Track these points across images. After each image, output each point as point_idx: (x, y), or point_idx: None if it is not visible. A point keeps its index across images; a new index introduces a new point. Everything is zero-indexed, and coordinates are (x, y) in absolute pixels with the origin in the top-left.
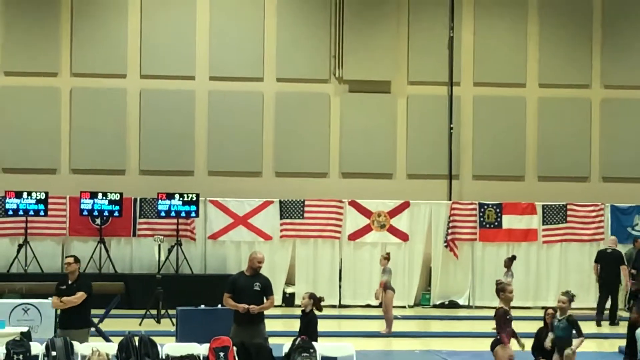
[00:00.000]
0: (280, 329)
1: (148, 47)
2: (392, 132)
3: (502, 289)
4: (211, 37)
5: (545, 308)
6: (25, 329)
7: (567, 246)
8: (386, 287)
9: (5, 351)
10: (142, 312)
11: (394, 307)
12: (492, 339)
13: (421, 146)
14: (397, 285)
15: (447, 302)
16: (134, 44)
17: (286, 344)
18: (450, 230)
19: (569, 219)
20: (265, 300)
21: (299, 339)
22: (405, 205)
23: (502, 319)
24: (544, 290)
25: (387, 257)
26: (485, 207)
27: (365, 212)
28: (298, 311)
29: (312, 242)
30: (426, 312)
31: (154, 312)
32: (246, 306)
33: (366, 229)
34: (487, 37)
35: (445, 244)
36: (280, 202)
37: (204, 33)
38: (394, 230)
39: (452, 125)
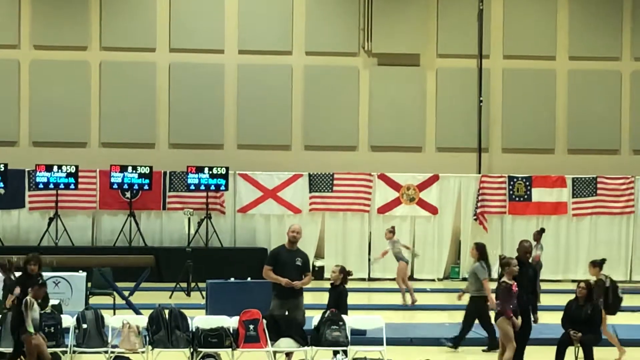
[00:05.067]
0: (309, 302)
1: (177, 20)
2: (422, 105)
3: (506, 264)
4: (240, 10)
5: (578, 281)
6: (56, 302)
7: (596, 219)
8: (398, 258)
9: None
10: (172, 285)
11: (425, 280)
12: None
13: (450, 119)
14: (427, 259)
15: None
16: (164, 17)
17: (315, 316)
18: (479, 204)
19: (599, 192)
20: (303, 275)
21: (328, 311)
22: (434, 179)
23: (506, 293)
24: (573, 264)
25: (392, 231)
26: (515, 180)
27: (395, 186)
28: (327, 284)
29: (342, 215)
30: (456, 285)
31: (184, 285)
32: (290, 281)
33: (395, 202)
34: (517, 9)
35: (475, 217)
36: (310, 175)
37: (233, 6)
38: (423, 204)
39: (481, 98)
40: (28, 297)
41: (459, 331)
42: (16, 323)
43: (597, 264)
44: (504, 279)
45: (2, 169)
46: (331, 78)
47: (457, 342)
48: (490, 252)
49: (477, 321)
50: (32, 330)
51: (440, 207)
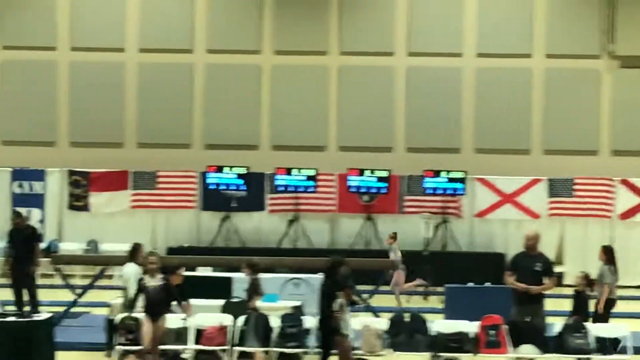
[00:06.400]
0: (549, 308)
1: (415, 24)
2: None
3: None
4: (479, 13)
5: None
6: (297, 304)
7: None
8: (397, 266)
9: (281, 324)
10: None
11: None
12: None
13: None
14: None
15: None
16: (402, 21)
17: (557, 323)
18: None
19: None
20: (546, 280)
21: (571, 319)
22: None
23: None
24: None
25: (393, 237)
26: None
27: (638, 191)
28: (566, 290)
29: (582, 221)
30: None
31: (420, 289)
32: (525, 286)
33: (639, 208)
34: None
35: None
36: (549, 180)
37: (472, 9)
38: None
39: None
40: (341, 300)
41: None
42: (332, 325)
43: None
44: None
45: (244, 172)
46: (572, 81)
47: None
48: None
49: None
50: (346, 332)
51: None
